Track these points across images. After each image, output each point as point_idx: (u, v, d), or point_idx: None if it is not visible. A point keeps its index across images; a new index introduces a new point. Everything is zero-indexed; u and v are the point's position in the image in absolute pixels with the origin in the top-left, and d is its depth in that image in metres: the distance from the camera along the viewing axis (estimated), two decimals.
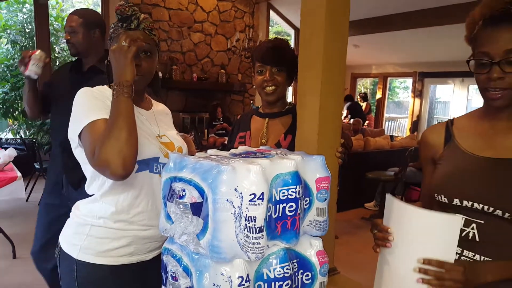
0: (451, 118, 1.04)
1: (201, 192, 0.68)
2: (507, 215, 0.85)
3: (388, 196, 0.88)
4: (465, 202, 0.89)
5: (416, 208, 0.82)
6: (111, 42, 1.09)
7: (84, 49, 1.75)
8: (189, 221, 0.71)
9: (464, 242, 0.87)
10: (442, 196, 0.92)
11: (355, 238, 3.84)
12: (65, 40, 1.80)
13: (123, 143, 0.90)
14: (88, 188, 1.08)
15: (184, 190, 0.71)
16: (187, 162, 0.72)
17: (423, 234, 0.80)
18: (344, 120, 7.71)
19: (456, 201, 0.90)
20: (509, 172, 0.87)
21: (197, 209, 0.69)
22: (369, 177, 4.31)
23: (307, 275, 0.79)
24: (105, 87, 1.10)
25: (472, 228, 0.88)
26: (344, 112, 8.07)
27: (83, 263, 1.02)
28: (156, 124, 1.17)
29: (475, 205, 0.88)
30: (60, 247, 1.07)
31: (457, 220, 0.78)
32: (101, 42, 1.82)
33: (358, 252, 3.43)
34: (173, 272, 0.76)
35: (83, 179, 1.09)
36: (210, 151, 0.84)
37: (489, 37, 0.85)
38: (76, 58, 1.84)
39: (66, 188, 1.75)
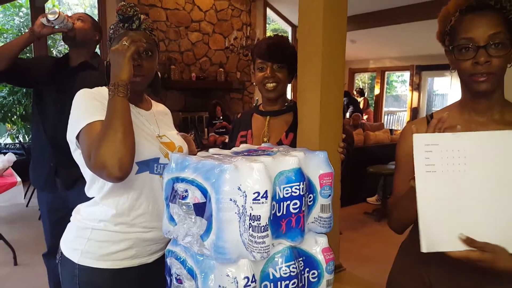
0: (431, 113, 1.03)
1: (204, 192, 0.67)
2: None
3: (416, 135, 0.82)
4: None
5: (466, 133, 0.80)
6: (112, 43, 1.08)
7: (84, 39, 1.73)
8: (192, 222, 0.70)
9: None
10: None
11: (359, 233, 3.84)
12: (62, 43, 1.79)
13: (119, 144, 0.89)
14: (88, 191, 1.07)
15: (186, 191, 0.70)
16: (189, 162, 0.71)
17: (478, 155, 0.78)
18: None
19: None
20: None
21: (200, 209, 0.68)
22: (370, 171, 4.30)
23: (314, 273, 0.78)
24: (105, 88, 1.09)
25: None
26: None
27: (85, 268, 1.01)
28: (156, 124, 1.16)
29: None
30: (61, 252, 1.06)
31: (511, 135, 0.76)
32: (95, 45, 1.82)
33: (363, 247, 3.42)
34: (178, 275, 0.75)
35: (78, 179, 1.08)
36: (211, 150, 0.83)
37: (471, 23, 0.85)
38: (63, 55, 1.82)
39: (61, 189, 1.74)
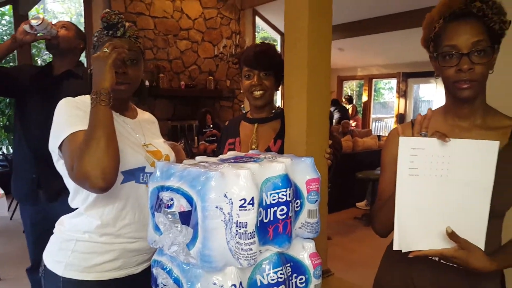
0: (415, 119, 1.05)
1: (190, 200, 0.67)
2: None
3: (403, 138, 0.84)
4: None
5: (453, 139, 0.81)
6: (95, 50, 1.07)
7: (67, 47, 1.71)
8: (178, 231, 0.69)
9: None
10: None
11: (348, 238, 3.85)
12: (47, 52, 1.76)
13: (102, 154, 0.87)
14: (72, 201, 1.05)
15: (172, 199, 0.69)
16: (174, 170, 0.71)
17: (460, 161, 0.80)
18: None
19: None
20: None
21: (186, 218, 0.67)
22: (359, 177, 4.35)
23: (301, 279, 0.78)
24: (88, 96, 1.08)
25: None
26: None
27: (69, 280, 0.98)
28: (142, 132, 1.15)
29: None
30: (44, 265, 1.04)
31: (494, 145, 0.78)
32: (79, 53, 1.81)
33: (352, 252, 3.43)
34: (164, 285, 0.74)
35: (62, 191, 1.06)
36: (198, 158, 0.82)
37: (455, 31, 0.86)
38: (46, 64, 1.80)
39: (44, 202, 1.70)
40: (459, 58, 0.85)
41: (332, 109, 7.82)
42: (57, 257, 1.02)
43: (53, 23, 1.67)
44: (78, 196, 1.02)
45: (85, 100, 1.04)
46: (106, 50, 0.96)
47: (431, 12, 0.93)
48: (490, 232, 0.90)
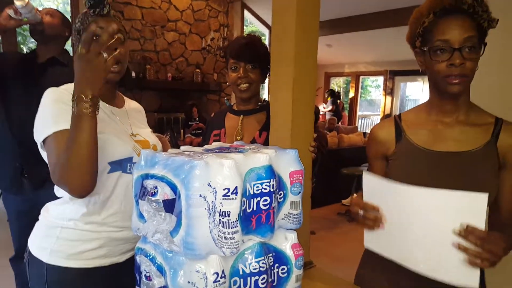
0: (398, 114, 1.06)
1: (174, 188, 0.67)
2: None
3: (369, 176, 0.85)
4: None
5: (421, 188, 0.79)
6: (81, 36, 1.05)
7: (52, 34, 1.67)
8: (162, 219, 0.69)
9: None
10: None
11: (333, 233, 3.91)
12: (33, 40, 1.72)
13: (82, 164, 0.85)
14: (58, 191, 1.04)
15: (156, 187, 0.69)
16: (158, 158, 0.71)
17: (439, 214, 0.77)
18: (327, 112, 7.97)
19: None
20: (461, 165, 0.91)
21: (170, 206, 0.68)
22: (344, 173, 4.41)
23: (283, 269, 0.79)
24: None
25: None
26: (330, 107, 8.29)
27: (54, 267, 0.98)
28: (129, 122, 1.14)
29: None
30: (29, 251, 1.03)
31: (482, 198, 0.74)
32: (64, 41, 1.77)
33: (336, 246, 3.49)
34: (147, 272, 0.74)
35: (47, 178, 1.05)
36: (183, 148, 0.82)
37: (447, 26, 0.87)
38: (30, 51, 1.76)
39: (29, 190, 1.67)
40: (451, 52, 0.86)
41: (330, 100, 8.00)
42: (42, 243, 1.01)
43: (39, 9, 1.63)
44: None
45: (71, 89, 1.02)
46: (105, 56, 0.82)
47: (420, 7, 0.93)
48: None
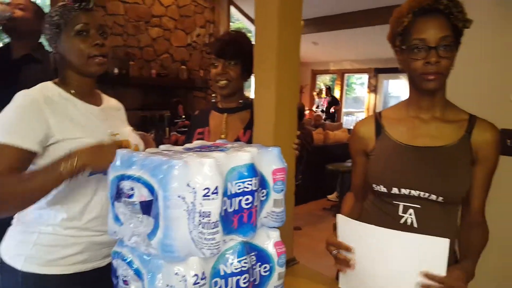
0: (379, 111, 1.09)
1: (151, 189, 0.65)
2: (440, 198, 0.92)
3: (342, 218, 0.88)
4: (403, 190, 0.94)
5: (387, 230, 0.82)
6: (62, 29, 0.99)
7: (26, 30, 1.58)
8: (139, 221, 0.67)
9: (403, 229, 0.91)
10: (381, 186, 0.97)
11: (318, 228, 3.94)
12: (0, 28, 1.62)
13: (27, 201, 0.87)
14: None
15: (132, 189, 0.67)
16: (135, 158, 0.69)
17: (403, 255, 0.80)
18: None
19: (395, 190, 0.95)
20: (437, 159, 0.94)
21: (147, 208, 0.65)
22: (329, 169, 4.46)
23: (265, 267, 0.79)
24: (50, 84, 1.02)
25: (410, 214, 0.94)
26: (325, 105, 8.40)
27: (30, 275, 0.94)
28: (109, 121, 1.10)
29: (412, 192, 0.93)
30: (1, 260, 0.98)
31: (444, 243, 0.76)
32: (39, 35, 1.69)
33: (321, 241, 3.50)
34: (124, 276, 0.72)
35: None
36: (162, 147, 0.80)
37: (424, 25, 0.90)
38: (5, 44, 1.68)
39: None
40: (427, 51, 0.89)
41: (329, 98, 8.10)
42: (16, 250, 0.97)
43: (6, 0, 1.55)
44: None
45: (45, 91, 0.98)
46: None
47: (400, 7, 0.96)
48: (447, 218, 0.95)
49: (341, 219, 0.88)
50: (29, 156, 0.91)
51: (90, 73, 1.02)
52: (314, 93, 8.91)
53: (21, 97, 0.94)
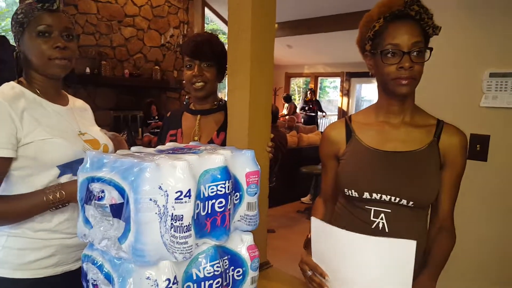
0: (349, 115, 1.10)
1: (122, 192, 0.63)
2: (410, 203, 0.94)
3: (316, 221, 0.87)
4: (374, 195, 0.95)
5: (357, 234, 0.82)
6: (25, 28, 0.96)
7: None
8: (109, 225, 0.65)
9: (375, 233, 0.94)
10: (353, 190, 0.98)
11: (292, 231, 3.98)
12: None
13: (11, 222, 0.91)
14: None
15: (103, 191, 0.65)
16: (106, 160, 0.67)
17: (373, 259, 0.81)
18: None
19: (366, 195, 0.96)
20: (407, 164, 0.95)
21: (117, 211, 0.64)
22: (303, 171, 4.51)
23: (238, 271, 0.78)
24: (14, 84, 0.98)
25: (381, 219, 0.95)
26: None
27: (2, 279, 0.91)
28: (76, 121, 1.07)
29: (383, 196, 0.95)
30: None
31: (411, 245, 0.77)
32: None
33: (295, 244, 3.55)
34: (94, 280, 0.70)
35: None
36: (133, 148, 0.78)
37: (397, 31, 0.91)
38: None
39: None
40: (400, 56, 0.90)
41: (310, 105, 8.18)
42: None
43: None
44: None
45: (7, 91, 0.94)
46: None
47: (370, 12, 0.96)
48: (417, 222, 0.97)
49: (315, 222, 0.88)
50: (7, 163, 0.91)
51: (51, 75, 1.00)
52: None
53: None
